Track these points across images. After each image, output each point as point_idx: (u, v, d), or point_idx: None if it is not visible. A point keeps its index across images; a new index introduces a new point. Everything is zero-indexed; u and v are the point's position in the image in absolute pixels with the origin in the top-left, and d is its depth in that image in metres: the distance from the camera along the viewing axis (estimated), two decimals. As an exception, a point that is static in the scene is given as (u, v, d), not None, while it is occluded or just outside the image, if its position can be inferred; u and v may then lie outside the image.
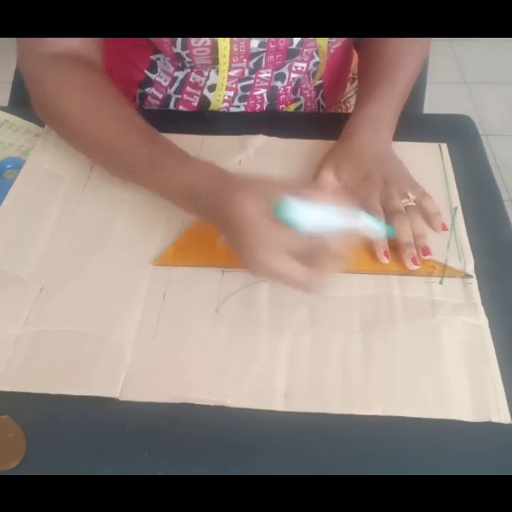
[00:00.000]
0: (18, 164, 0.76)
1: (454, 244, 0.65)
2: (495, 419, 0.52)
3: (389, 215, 0.66)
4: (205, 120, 0.83)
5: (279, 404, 0.53)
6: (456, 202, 0.70)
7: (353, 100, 0.98)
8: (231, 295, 0.61)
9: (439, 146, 0.77)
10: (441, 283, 0.62)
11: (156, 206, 0.69)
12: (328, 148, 0.75)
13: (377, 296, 0.61)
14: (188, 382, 0.54)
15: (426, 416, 0.52)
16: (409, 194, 0.67)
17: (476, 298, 0.61)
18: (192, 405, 0.53)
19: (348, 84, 1.00)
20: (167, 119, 0.84)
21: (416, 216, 0.66)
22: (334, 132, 0.75)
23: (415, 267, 0.62)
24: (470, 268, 0.63)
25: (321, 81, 0.89)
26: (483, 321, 0.59)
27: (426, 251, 0.64)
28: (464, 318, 0.59)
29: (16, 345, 0.57)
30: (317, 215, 0.51)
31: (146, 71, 0.84)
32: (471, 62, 2.32)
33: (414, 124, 0.78)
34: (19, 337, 0.58)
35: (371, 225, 0.55)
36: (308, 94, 0.87)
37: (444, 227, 0.67)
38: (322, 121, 0.87)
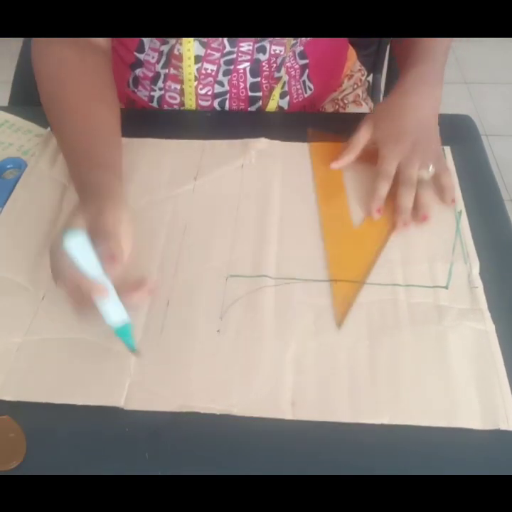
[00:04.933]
0: (18, 164, 0.75)
1: (459, 248, 0.65)
2: (503, 426, 0.51)
3: (400, 181, 0.69)
4: (205, 120, 0.84)
5: (286, 413, 0.52)
6: (461, 206, 0.70)
7: (350, 97, 0.98)
8: (235, 301, 0.60)
9: (443, 149, 0.76)
10: (447, 288, 0.61)
11: (157, 211, 0.69)
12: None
13: (383, 302, 0.60)
14: (193, 391, 0.54)
15: (434, 424, 0.52)
16: (431, 168, 0.69)
17: (482, 303, 0.60)
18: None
19: (346, 81, 0.99)
20: (167, 120, 0.84)
21: (426, 189, 0.69)
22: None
23: (405, 230, 0.66)
24: (475, 271, 0.63)
25: (306, 61, 0.88)
26: (490, 327, 0.58)
27: (424, 218, 0.68)
28: (471, 324, 0.58)
29: (17, 353, 0.56)
30: (86, 261, 0.53)
31: (135, 53, 0.86)
32: (471, 62, 2.31)
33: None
34: (21, 346, 0.57)
35: (106, 312, 0.54)
36: (292, 73, 0.88)
37: (454, 201, 0.70)
38: (323, 121, 0.87)
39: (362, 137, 0.74)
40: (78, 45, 0.73)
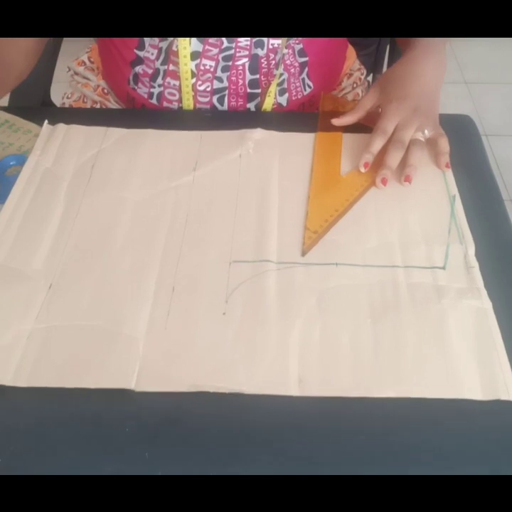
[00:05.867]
0: (21, 161, 0.75)
1: (454, 230, 0.66)
2: (504, 397, 0.53)
3: (392, 140, 0.72)
4: (204, 119, 0.85)
5: (293, 390, 0.54)
6: (454, 190, 0.72)
7: (349, 96, 1.00)
8: (240, 285, 0.61)
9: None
10: (444, 268, 0.63)
11: (159, 202, 0.70)
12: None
13: (383, 283, 0.62)
14: (201, 372, 0.55)
15: (437, 396, 0.53)
16: (426, 131, 0.73)
17: (479, 282, 0.61)
18: (195, 401, 0.53)
19: (345, 79, 1.01)
20: (166, 118, 0.85)
21: (417, 151, 0.72)
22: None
23: (382, 187, 0.70)
24: (471, 252, 0.64)
25: (306, 59, 0.90)
26: (487, 304, 0.59)
27: (407, 179, 0.71)
28: (469, 302, 0.60)
29: (28, 341, 0.57)
30: None
31: (135, 50, 0.87)
32: (471, 62, 2.32)
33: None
34: (31, 333, 0.58)
35: None
36: (292, 70, 0.89)
37: (447, 166, 0.73)
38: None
39: (368, 100, 0.77)
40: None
